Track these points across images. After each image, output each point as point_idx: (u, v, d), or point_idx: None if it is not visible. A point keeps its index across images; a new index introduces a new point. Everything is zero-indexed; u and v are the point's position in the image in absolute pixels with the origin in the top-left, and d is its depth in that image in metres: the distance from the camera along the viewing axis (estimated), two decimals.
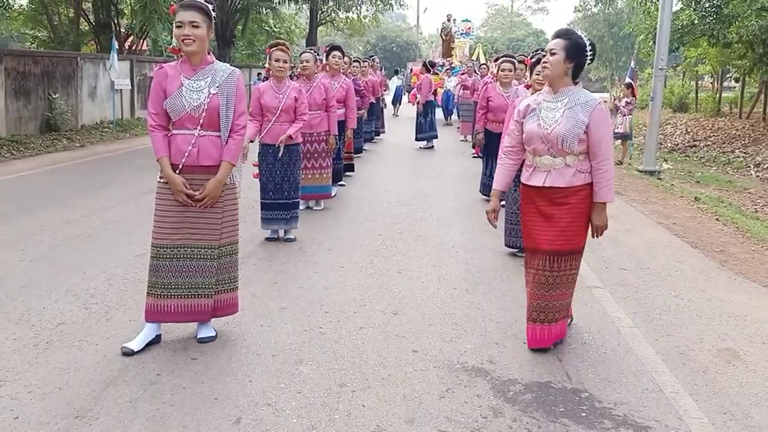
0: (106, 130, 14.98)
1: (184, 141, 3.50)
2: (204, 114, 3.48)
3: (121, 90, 15.93)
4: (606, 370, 3.57)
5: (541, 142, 3.63)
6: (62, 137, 13.19)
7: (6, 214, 6.65)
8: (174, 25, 3.43)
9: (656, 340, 4.02)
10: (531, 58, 6.58)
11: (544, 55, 6.07)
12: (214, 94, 3.50)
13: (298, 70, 7.03)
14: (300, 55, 7.03)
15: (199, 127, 3.49)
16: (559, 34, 3.68)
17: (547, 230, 3.67)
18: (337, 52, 7.72)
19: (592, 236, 3.72)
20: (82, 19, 19.48)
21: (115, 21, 19.49)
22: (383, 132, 15.21)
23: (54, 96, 13.57)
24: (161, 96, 3.49)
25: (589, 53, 3.61)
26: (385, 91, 15.11)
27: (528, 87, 5.62)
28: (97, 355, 3.47)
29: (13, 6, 19.60)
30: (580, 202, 3.62)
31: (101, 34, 18.42)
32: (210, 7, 3.52)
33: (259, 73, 23.05)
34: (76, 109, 14.62)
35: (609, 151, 3.60)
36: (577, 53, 3.60)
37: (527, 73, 6.00)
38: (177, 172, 3.48)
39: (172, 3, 3.55)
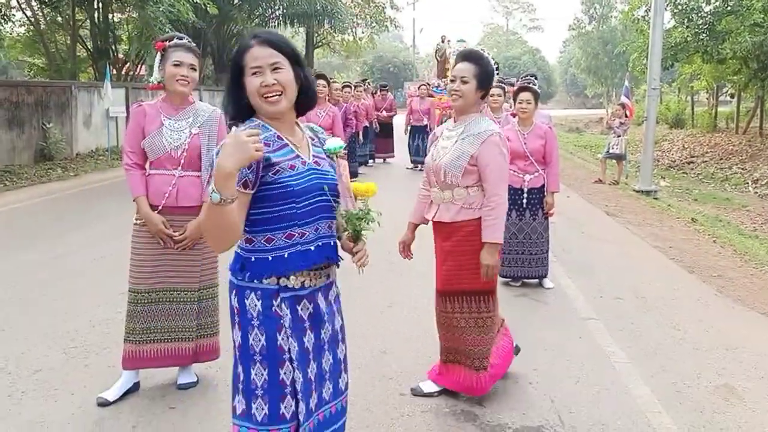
0: (101, 158, 14.93)
1: (163, 181, 3.42)
2: (185, 154, 3.41)
3: (116, 117, 15.91)
4: (600, 411, 3.45)
5: (431, 173, 3.45)
6: (57, 166, 13.14)
7: None
8: (170, 62, 3.34)
9: (652, 376, 3.90)
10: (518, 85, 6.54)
11: (530, 81, 6.06)
12: (195, 134, 3.43)
13: None
14: None
15: (179, 168, 3.42)
16: (468, 58, 3.32)
17: (439, 268, 3.47)
18: (321, 81, 7.70)
19: (483, 278, 3.33)
20: (79, 46, 19.53)
21: (113, 47, 19.54)
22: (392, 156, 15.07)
23: (48, 125, 13.54)
24: (139, 135, 3.42)
25: (496, 79, 3.38)
26: (392, 114, 14.96)
27: (514, 115, 5.55)
28: (73, 405, 3.35)
29: (10, 35, 19.69)
30: (465, 239, 3.33)
31: (99, 61, 18.44)
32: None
33: None
34: (70, 138, 14.58)
35: (498, 186, 3.27)
36: (488, 81, 3.32)
37: (512, 101, 5.93)
38: (156, 212, 3.39)
39: (158, 39, 3.47)
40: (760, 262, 7.00)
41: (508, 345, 3.74)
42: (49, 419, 3.21)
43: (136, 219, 3.45)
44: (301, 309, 2.10)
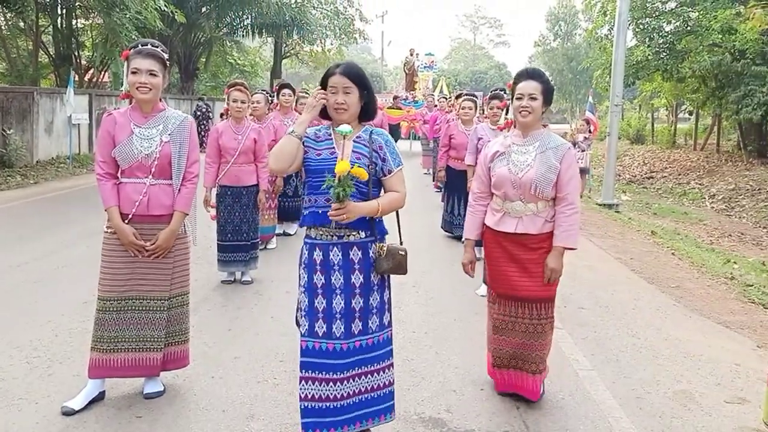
0: (62, 165, 14.67)
1: (134, 190, 3.39)
2: (156, 162, 3.39)
3: (78, 124, 15.67)
4: (564, 417, 3.53)
5: (512, 187, 3.53)
6: (16, 174, 12.87)
7: None
8: (129, 71, 3.35)
9: (613, 383, 4.01)
10: (489, 97, 6.72)
11: (501, 91, 6.23)
12: (166, 142, 3.42)
13: (273, 102, 7.52)
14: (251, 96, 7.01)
15: (150, 176, 3.40)
16: (533, 76, 3.58)
17: (524, 277, 3.58)
18: (287, 90, 7.79)
19: (545, 281, 3.58)
20: (41, 52, 19.18)
21: (76, 54, 19.24)
22: None
23: (8, 132, 13.27)
24: (110, 144, 3.39)
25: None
26: None
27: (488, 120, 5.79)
28: (37, 414, 3.30)
29: None
30: (548, 250, 3.55)
31: (61, 67, 18.13)
32: (166, 56, 3.47)
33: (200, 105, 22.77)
34: (31, 145, 14.30)
35: (575, 195, 3.54)
36: (551, 97, 3.61)
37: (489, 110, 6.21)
38: (126, 221, 3.37)
39: (125, 48, 3.47)
40: (716, 273, 7.23)
41: None
42: (12, 429, 3.15)
43: (107, 228, 3.42)
44: (316, 254, 2.82)
